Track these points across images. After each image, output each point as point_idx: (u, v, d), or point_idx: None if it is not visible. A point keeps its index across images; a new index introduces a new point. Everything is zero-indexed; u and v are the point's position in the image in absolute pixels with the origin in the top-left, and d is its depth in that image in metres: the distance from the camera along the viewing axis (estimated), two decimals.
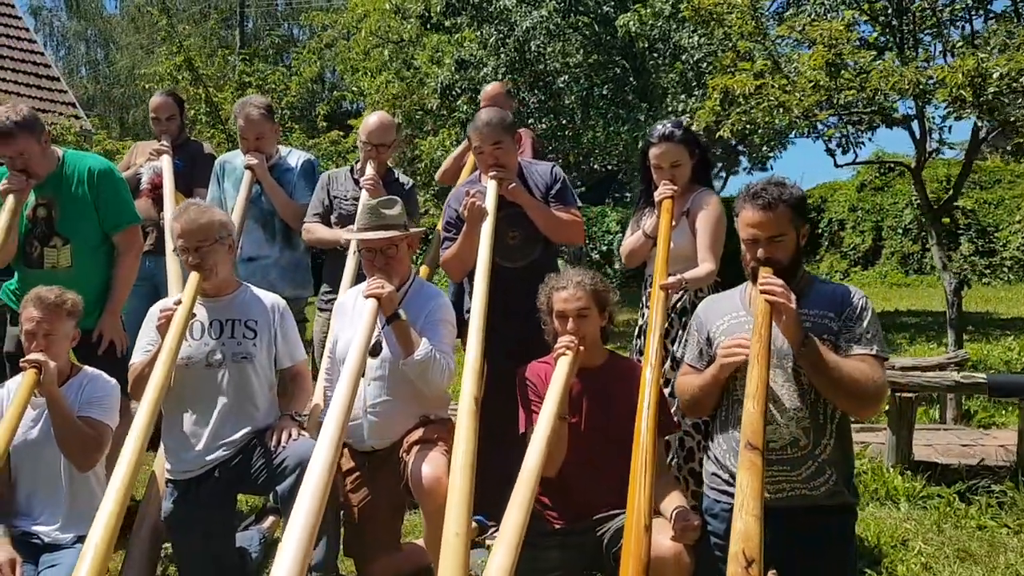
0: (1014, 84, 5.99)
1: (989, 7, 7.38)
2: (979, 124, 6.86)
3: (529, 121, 12.14)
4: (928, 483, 4.41)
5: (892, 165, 12.54)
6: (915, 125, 7.45)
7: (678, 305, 3.65)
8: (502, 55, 12.14)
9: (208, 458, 3.21)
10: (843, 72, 6.71)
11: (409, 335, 3.18)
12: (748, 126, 7.27)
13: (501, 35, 12.12)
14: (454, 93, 12.61)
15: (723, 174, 21.42)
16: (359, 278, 3.83)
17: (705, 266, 3.56)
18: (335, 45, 20.60)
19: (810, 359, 2.63)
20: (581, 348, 3.02)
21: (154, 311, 3.32)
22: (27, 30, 16.47)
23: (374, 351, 3.26)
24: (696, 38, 10.97)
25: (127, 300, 4.18)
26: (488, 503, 3.12)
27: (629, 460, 2.69)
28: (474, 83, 11.97)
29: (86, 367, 3.43)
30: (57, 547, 3.12)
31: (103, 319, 3.82)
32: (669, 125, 3.76)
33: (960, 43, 7.06)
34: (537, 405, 2.95)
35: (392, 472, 3.28)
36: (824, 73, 6.69)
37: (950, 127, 7.01)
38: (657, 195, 3.64)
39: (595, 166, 13.69)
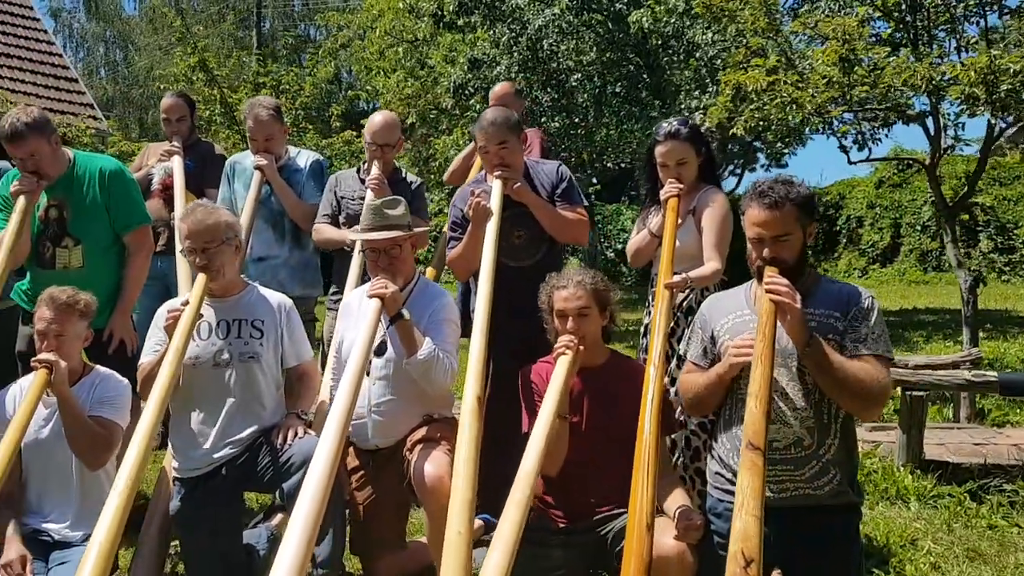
0: None
1: (1004, 3, 7.32)
2: (992, 121, 6.80)
3: (542, 119, 12.14)
4: (939, 482, 4.39)
5: (909, 162, 12.44)
6: (930, 122, 7.40)
7: (684, 304, 3.64)
8: (515, 54, 12.14)
9: (215, 456, 3.24)
10: (856, 68, 6.68)
11: (412, 335, 3.20)
12: (761, 123, 7.25)
13: (513, 34, 12.12)
14: (467, 92, 12.63)
15: (738, 171, 21.31)
16: (364, 278, 3.86)
17: (711, 265, 3.55)
18: (350, 45, 20.68)
19: (814, 359, 2.62)
20: (581, 347, 3.02)
21: (162, 312, 3.35)
22: (45, 31, 16.62)
23: (379, 351, 3.28)
24: (710, 35, 10.95)
25: (139, 300, 4.22)
26: (493, 502, 3.12)
27: (631, 459, 2.70)
28: (487, 82, 11.98)
29: (98, 367, 3.46)
30: (67, 545, 3.16)
31: (114, 319, 3.85)
32: (675, 123, 3.75)
33: (974, 39, 7.00)
34: (539, 405, 2.96)
35: (396, 471, 3.30)
36: (837, 69, 6.66)
37: (963, 124, 6.96)
38: (663, 193, 3.63)
39: (608, 164, 13.66)
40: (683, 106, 11.07)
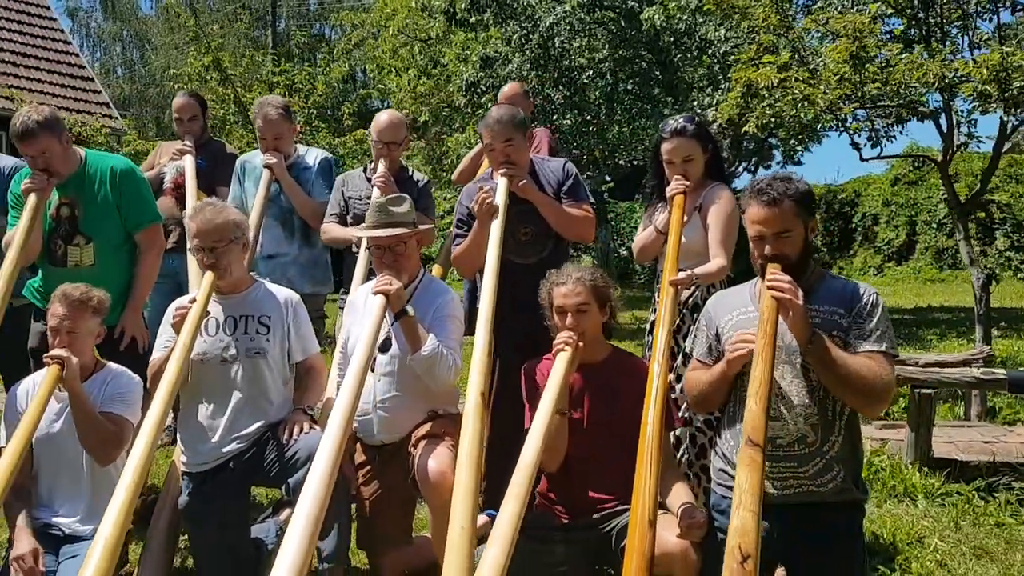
0: None
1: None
2: (1004, 118, 6.77)
3: (554, 117, 12.15)
4: (947, 480, 4.39)
5: (924, 159, 12.38)
6: (942, 119, 7.37)
7: (690, 301, 3.65)
8: (526, 51, 12.15)
9: (223, 451, 3.28)
10: (868, 65, 6.66)
11: (416, 331, 3.22)
12: (773, 119, 7.24)
13: (525, 31, 12.13)
14: (480, 90, 12.65)
15: (752, 168, 21.23)
16: (371, 275, 3.89)
17: (716, 261, 3.56)
18: (364, 44, 20.75)
19: (817, 355, 2.62)
20: (580, 344, 3.03)
21: (171, 309, 3.39)
22: (62, 31, 16.79)
23: (383, 347, 3.31)
24: (722, 31, 10.92)
25: (150, 297, 4.25)
26: (498, 499, 3.14)
27: (633, 454, 2.71)
28: (499, 80, 12.00)
29: (110, 363, 3.50)
30: (77, 539, 3.19)
31: (125, 315, 3.89)
32: (681, 120, 3.75)
33: (987, 36, 6.97)
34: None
35: (401, 466, 3.33)
36: (848, 66, 6.64)
37: (975, 121, 6.93)
38: (669, 190, 3.64)
39: (620, 162, 13.65)
40: (695, 103, 11.05)
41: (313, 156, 4.86)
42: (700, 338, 3.01)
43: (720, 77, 11.02)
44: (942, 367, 4.92)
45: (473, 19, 12.90)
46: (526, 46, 12.13)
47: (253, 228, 4.27)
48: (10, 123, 3.81)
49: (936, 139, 7.71)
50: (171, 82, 16.73)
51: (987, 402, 5.95)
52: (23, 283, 3.99)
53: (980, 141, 7.29)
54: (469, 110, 13.34)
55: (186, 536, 3.50)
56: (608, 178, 15.23)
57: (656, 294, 3.75)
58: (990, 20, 7.48)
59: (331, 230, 4.46)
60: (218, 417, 3.30)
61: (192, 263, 4.23)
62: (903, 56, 6.64)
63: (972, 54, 7.01)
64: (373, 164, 4.49)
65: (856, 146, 7.84)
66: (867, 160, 8.20)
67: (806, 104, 6.76)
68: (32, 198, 3.74)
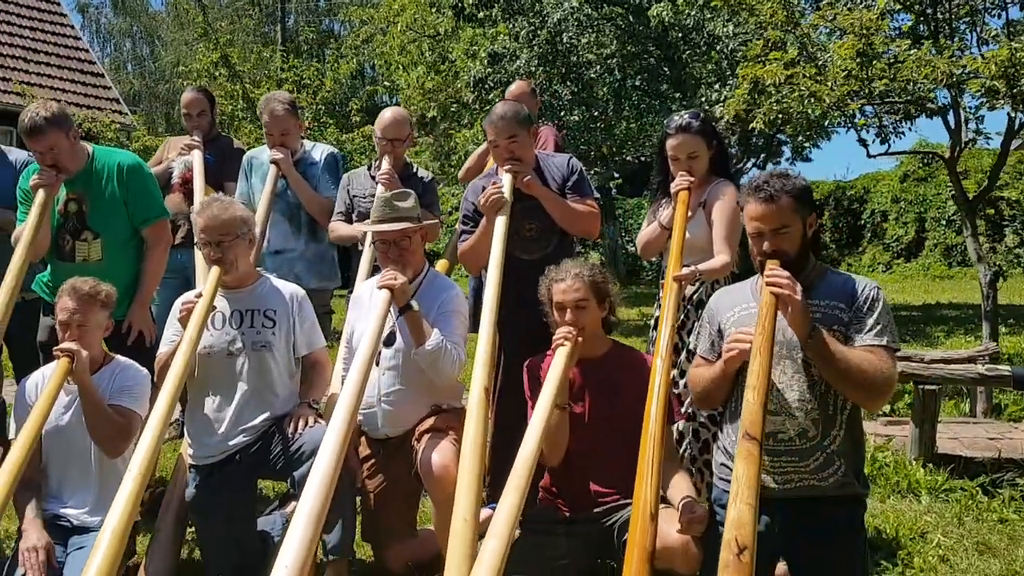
0: None
1: None
2: (1012, 114, 6.75)
3: (561, 113, 12.15)
4: (951, 476, 4.39)
5: (932, 155, 12.35)
6: (950, 116, 7.35)
7: (694, 297, 3.66)
8: (534, 47, 12.15)
9: (230, 443, 3.31)
10: (875, 62, 6.65)
11: (421, 326, 3.25)
12: (780, 116, 7.23)
13: (533, 27, 12.14)
14: (487, 86, 12.66)
15: (761, 165, 21.19)
16: (375, 271, 3.92)
17: (720, 257, 3.57)
18: (372, 40, 20.78)
19: (817, 350, 2.63)
20: (580, 339, 3.06)
21: (178, 303, 3.42)
22: (72, 27, 16.87)
23: (388, 341, 3.34)
24: (730, 27, 10.90)
25: (158, 292, 4.29)
26: (501, 493, 3.16)
27: (634, 448, 2.73)
28: (507, 76, 12.01)
29: (118, 356, 3.53)
30: (86, 530, 3.22)
31: (132, 310, 3.92)
32: (687, 116, 3.76)
33: (996, 32, 6.95)
34: None
35: (406, 460, 3.36)
36: (856, 62, 6.63)
37: (983, 117, 6.91)
38: (673, 186, 3.65)
39: (628, 158, 13.64)
40: (703, 99, 11.03)
41: (320, 152, 4.88)
42: (703, 334, 3.03)
43: (728, 73, 11.00)
44: (947, 363, 4.93)
45: (481, 14, 12.90)
46: (534, 42, 12.13)
47: (260, 224, 4.30)
48: (18, 119, 3.84)
49: (945, 135, 7.70)
50: (180, 78, 16.81)
51: (993, 399, 5.95)
52: (33, 277, 4.02)
53: (988, 138, 7.27)
54: (477, 106, 13.34)
55: (193, 528, 3.53)
56: (616, 174, 15.21)
57: (660, 290, 3.77)
58: (999, 16, 7.47)
59: (337, 228, 4.49)
60: (224, 409, 3.33)
61: (200, 258, 4.27)
62: (911, 52, 6.62)
63: (980, 50, 6.99)
64: (377, 161, 4.52)
65: (863, 142, 7.83)
66: (874, 156, 8.20)
67: (813, 100, 6.75)
68: (40, 194, 3.76)
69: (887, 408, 5.70)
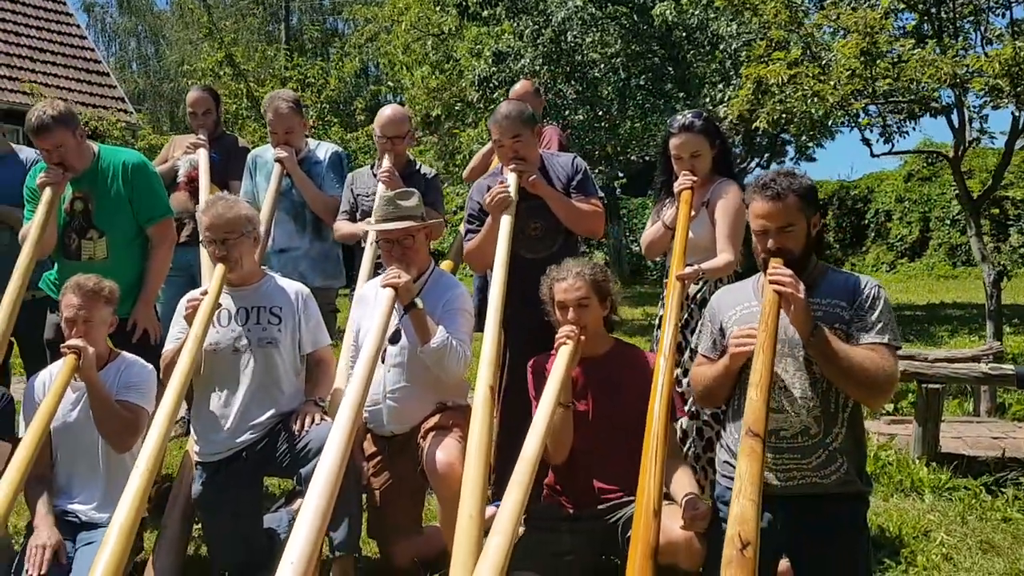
0: None
1: None
2: (1016, 113, 6.75)
3: (566, 112, 12.16)
4: (955, 475, 4.40)
5: (935, 154, 12.34)
6: (954, 115, 7.35)
7: (698, 296, 3.67)
8: (539, 46, 12.17)
9: (236, 440, 3.34)
10: (879, 61, 6.66)
11: (426, 324, 3.26)
12: (784, 115, 7.24)
13: (537, 26, 12.15)
14: (492, 85, 12.68)
15: (765, 164, 21.17)
16: (378, 270, 3.95)
17: (723, 256, 3.58)
18: (377, 39, 20.79)
19: (819, 348, 2.65)
20: (582, 337, 3.07)
21: (183, 301, 3.44)
22: (78, 26, 16.91)
23: (393, 339, 3.36)
24: (734, 26, 10.91)
25: (164, 290, 4.31)
26: (505, 490, 3.19)
27: (637, 446, 2.75)
28: (512, 75, 12.02)
29: (123, 353, 3.55)
30: (94, 526, 3.24)
31: (137, 308, 3.94)
32: (690, 115, 3.77)
33: (1000, 31, 6.95)
34: None
35: (411, 457, 3.38)
36: (859, 62, 6.64)
37: (987, 116, 6.91)
38: (677, 186, 3.66)
39: (632, 157, 13.65)
40: (707, 98, 11.04)
41: (324, 150, 4.90)
42: (704, 333, 3.05)
43: (732, 73, 11.00)
44: (951, 362, 4.94)
45: (485, 13, 12.92)
46: (538, 41, 12.15)
47: (264, 222, 4.32)
48: (26, 118, 3.86)
49: (949, 135, 7.70)
50: (185, 77, 16.85)
51: (996, 398, 5.95)
52: (40, 275, 4.05)
53: (992, 137, 7.28)
54: (482, 105, 13.36)
55: (199, 525, 3.55)
56: (620, 174, 15.23)
57: (664, 289, 3.78)
58: (1003, 15, 7.47)
59: (341, 227, 4.52)
60: (230, 406, 3.36)
61: (205, 257, 4.28)
62: (915, 52, 6.62)
63: (984, 50, 6.99)
64: (379, 160, 4.53)
65: (867, 142, 7.83)
66: (878, 156, 8.21)
67: (816, 100, 6.76)
68: (47, 192, 3.79)
69: (890, 407, 5.72)
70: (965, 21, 7.53)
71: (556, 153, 4.24)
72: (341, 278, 4.90)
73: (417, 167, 4.65)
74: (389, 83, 18.44)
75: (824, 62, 7.08)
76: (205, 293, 3.31)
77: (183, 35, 32.21)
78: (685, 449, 3.54)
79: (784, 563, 2.90)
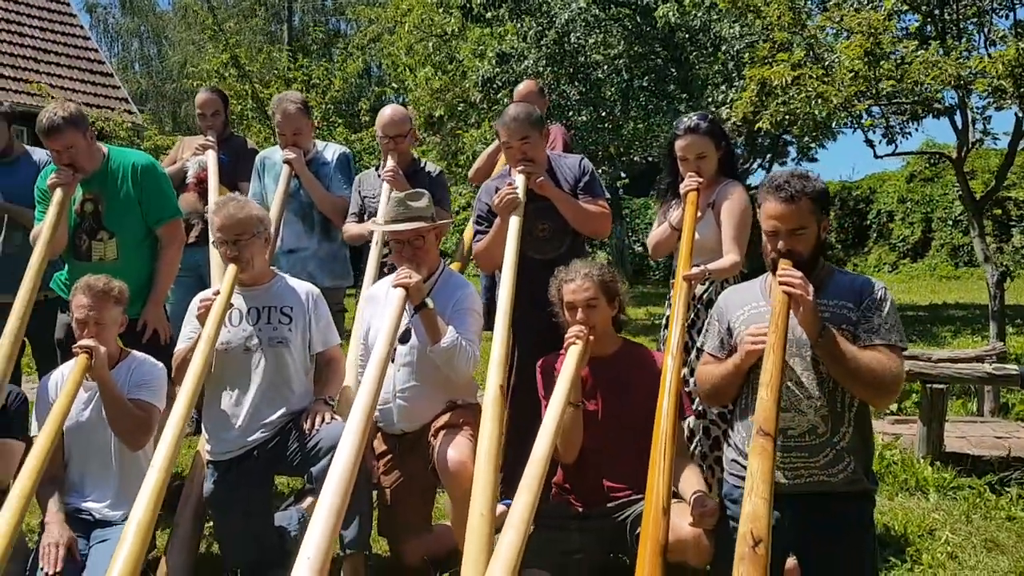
0: None
1: None
2: (1020, 114, 6.78)
3: (569, 113, 12.19)
4: (959, 474, 4.42)
5: (938, 155, 12.36)
6: (958, 116, 7.38)
7: (704, 296, 3.70)
8: (542, 47, 12.20)
9: (248, 439, 3.37)
10: (882, 62, 6.68)
11: (436, 323, 3.29)
12: (787, 117, 7.26)
13: (541, 27, 12.18)
14: (495, 86, 12.71)
15: (767, 165, 21.19)
16: (383, 270, 3.99)
17: (730, 257, 3.60)
18: (380, 40, 20.82)
19: (827, 349, 2.68)
20: (591, 337, 3.10)
21: (195, 301, 3.47)
22: (82, 27, 16.94)
23: (403, 338, 3.39)
24: (737, 28, 10.94)
25: (173, 290, 4.34)
26: (515, 488, 3.21)
27: (646, 445, 2.78)
28: (515, 76, 12.06)
29: (134, 351, 3.58)
30: (108, 523, 3.28)
31: (147, 309, 3.97)
32: (695, 117, 3.80)
33: (1003, 33, 6.97)
34: None
35: (422, 455, 3.41)
36: (863, 63, 6.66)
37: (989, 117, 6.94)
38: (683, 187, 3.69)
39: (635, 158, 13.68)
40: (710, 100, 11.07)
41: (331, 151, 4.93)
42: (711, 332, 3.07)
43: (735, 74, 11.04)
44: (955, 363, 4.96)
45: (489, 15, 12.95)
46: (542, 42, 12.18)
47: (273, 223, 4.34)
48: (37, 118, 3.89)
49: (951, 135, 7.72)
50: (188, 79, 16.88)
51: (1000, 398, 5.98)
52: (51, 276, 4.08)
53: (996, 138, 7.30)
54: (485, 106, 13.39)
55: (211, 523, 3.58)
56: (623, 174, 15.26)
57: (671, 289, 3.81)
58: (1007, 17, 7.49)
59: (350, 229, 4.56)
60: (241, 405, 3.39)
61: (214, 257, 4.31)
62: (918, 53, 6.65)
63: (988, 51, 7.01)
64: (383, 160, 4.57)
65: (870, 143, 7.85)
66: (881, 157, 8.22)
67: (820, 101, 6.78)
68: (58, 193, 3.82)
69: (894, 407, 5.74)
70: (969, 22, 7.55)
71: (563, 155, 4.27)
72: (349, 278, 4.93)
73: (422, 165, 4.69)
74: (393, 84, 18.45)
75: (827, 63, 7.11)
76: (217, 293, 3.34)
77: (185, 36, 32.25)
78: (692, 448, 3.56)
79: (791, 561, 2.93)
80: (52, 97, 12.64)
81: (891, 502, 4.16)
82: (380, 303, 3.57)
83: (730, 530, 2.85)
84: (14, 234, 4.58)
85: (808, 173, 2.85)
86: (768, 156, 19.40)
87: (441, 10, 16.38)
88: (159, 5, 37.97)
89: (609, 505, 3.12)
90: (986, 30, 7.37)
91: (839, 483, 2.78)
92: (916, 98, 7.05)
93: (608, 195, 4.08)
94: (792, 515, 2.75)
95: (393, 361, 3.37)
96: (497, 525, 2.77)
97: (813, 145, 18.94)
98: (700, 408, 3.55)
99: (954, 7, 7.50)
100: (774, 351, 2.57)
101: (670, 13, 11.08)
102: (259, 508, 3.43)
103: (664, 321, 3.95)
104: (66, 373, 3.41)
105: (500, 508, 3.32)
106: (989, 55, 6.42)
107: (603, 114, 12.72)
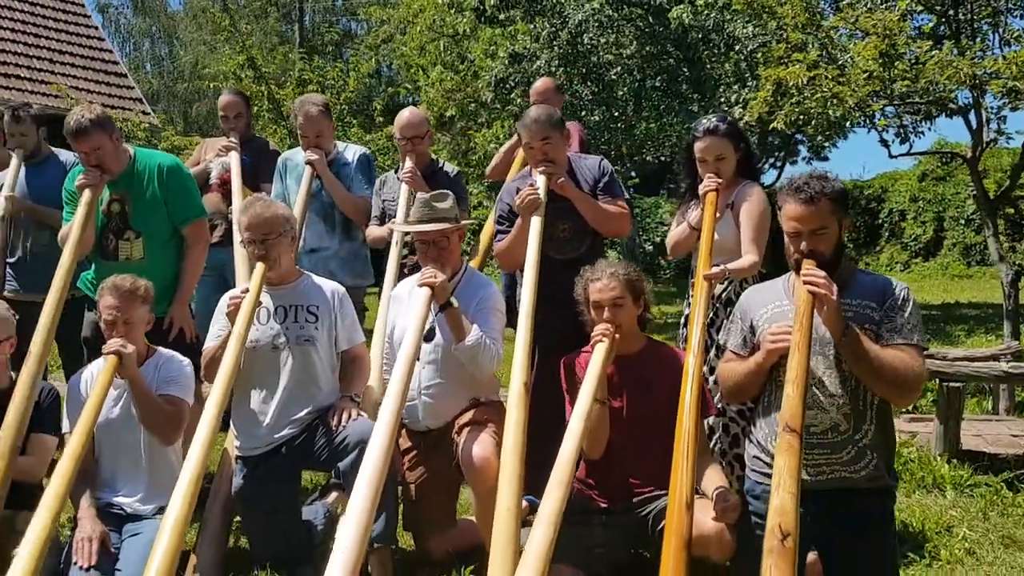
0: None
1: None
2: None
3: (582, 113, 12.22)
4: (976, 472, 4.45)
5: (951, 154, 12.34)
6: (972, 116, 7.39)
7: (723, 295, 3.74)
8: (555, 48, 12.23)
9: (276, 436, 3.43)
10: (897, 63, 6.70)
11: (461, 322, 3.35)
12: (802, 117, 7.28)
13: (554, 28, 12.22)
14: (508, 86, 12.75)
15: (779, 164, 21.19)
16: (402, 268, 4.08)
17: (749, 257, 3.64)
18: (391, 40, 20.87)
19: (850, 348, 2.72)
20: (617, 336, 3.15)
21: (224, 299, 3.53)
22: (96, 28, 17.00)
23: (428, 337, 3.44)
24: (750, 28, 10.95)
25: (197, 288, 4.39)
26: (535, 485, 3.25)
27: (669, 442, 2.83)
28: (527, 75, 12.09)
29: (160, 348, 3.64)
30: (139, 517, 3.35)
31: (173, 308, 4.03)
32: (714, 119, 3.84)
33: (1018, 33, 6.98)
34: None
35: (446, 452, 3.47)
36: (878, 64, 6.68)
37: (1005, 117, 6.95)
38: (701, 188, 3.73)
39: (648, 158, 13.70)
40: (722, 100, 11.08)
41: (352, 152, 4.99)
42: (734, 331, 3.11)
43: (747, 74, 11.05)
44: (971, 361, 4.99)
45: (502, 16, 13.00)
46: (554, 42, 12.22)
47: (296, 223, 4.40)
48: (64, 121, 3.95)
49: (964, 134, 7.72)
50: (203, 80, 16.96)
51: (1015, 397, 5.99)
52: (77, 275, 4.14)
53: (1009, 137, 7.31)
54: (498, 106, 13.44)
55: (239, 518, 3.64)
56: (633, 174, 15.27)
57: (690, 288, 3.86)
58: (1022, 17, 7.51)
59: (371, 232, 4.64)
60: (270, 402, 3.45)
61: (238, 257, 4.38)
62: (933, 54, 6.66)
63: (1003, 51, 7.02)
64: (401, 162, 4.63)
65: (885, 143, 7.86)
66: (896, 157, 8.23)
67: (835, 102, 6.80)
68: (86, 193, 3.88)
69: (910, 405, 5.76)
70: (983, 22, 7.56)
71: (583, 156, 4.32)
72: (369, 277, 4.98)
73: (440, 165, 4.75)
74: (406, 84, 18.52)
75: (840, 62, 7.12)
76: (246, 291, 3.39)
77: (197, 36, 32.34)
78: (711, 445, 3.60)
79: (812, 555, 2.97)
80: (71, 98, 12.71)
81: (909, 499, 4.20)
82: (404, 303, 3.63)
83: (752, 525, 2.91)
84: (41, 234, 4.66)
85: (827, 174, 2.89)
86: (779, 155, 19.42)
87: (453, 11, 16.44)
88: (170, 5, 38.10)
89: (633, 500, 3.16)
90: (1001, 30, 7.37)
91: (861, 479, 2.82)
92: (930, 98, 7.06)
93: (627, 195, 4.12)
94: (815, 511, 2.79)
95: (417, 359, 3.42)
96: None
97: (826, 144, 18.94)
98: (720, 406, 3.59)
99: (968, 7, 7.51)
100: (799, 349, 2.61)
101: (684, 14, 11.10)
102: (287, 503, 3.49)
103: (683, 320, 4.00)
104: (95, 371, 3.48)
105: (523, 504, 3.39)
106: (1004, 56, 6.43)
107: (615, 114, 12.74)
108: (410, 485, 3.55)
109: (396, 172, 4.70)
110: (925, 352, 2.87)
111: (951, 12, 7.65)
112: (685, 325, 3.92)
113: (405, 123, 4.60)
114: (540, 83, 5.75)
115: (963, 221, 18.21)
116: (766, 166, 17.48)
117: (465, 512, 3.85)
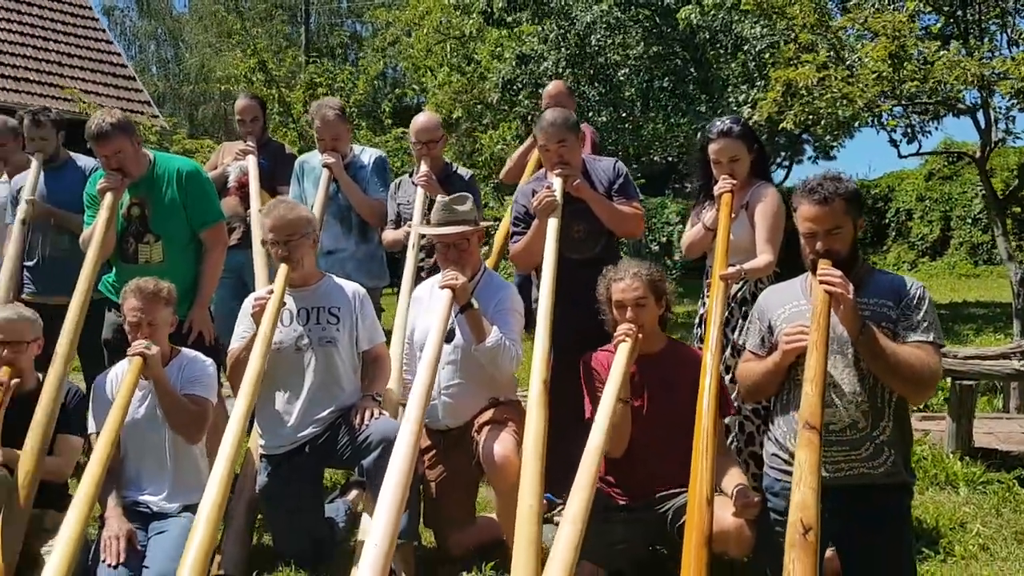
0: None
1: None
2: None
3: (589, 114, 12.26)
4: (988, 469, 4.48)
5: (960, 154, 12.36)
6: (980, 115, 7.42)
7: (738, 295, 3.78)
8: (563, 49, 12.28)
9: (299, 435, 3.48)
10: (906, 64, 6.74)
11: (481, 323, 3.41)
12: (811, 117, 7.32)
13: (561, 30, 12.26)
14: (515, 87, 12.79)
15: (786, 163, 21.22)
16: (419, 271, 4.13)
17: (764, 257, 3.68)
18: (398, 42, 20.92)
19: (867, 346, 2.77)
20: (639, 335, 3.19)
21: (249, 300, 3.59)
22: (104, 31, 17.06)
23: (448, 337, 3.49)
24: (758, 29, 10.98)
25: (215, 292, 4.45)
26: (553, 482, 3.31)
27: (689, 440, 2.87)
28: (535, 77, 12.14)
29: (183, 349, 3.70)
30: (165, 515, 3.40)
31: (192, 311, 4.06)
32: (728, 121, 3.88)
33: None
34: (601, 391, 3.13)
35: (466, 450, 3.52)
36: (887, 65, 6.71)
37: (1014, 117, 6.98)
38: (716, 189, 3.77)
39: (655, 158, 13.74)
40: (730, 100, 11.12)
41: (368, 155, 5.05)
42: (752, 330, 3.16)
43: (756, 75, 11.08)
44: (982, 359, 5.02)
45: (510, 18, 13.04)
46: (562, 44, 12.26)
47: None
48: (86, 126, 4.01)
49: (971, 133, 7.77)
50: (207, 82, 17.00)
51: None
52: (98, 278, 4.19)
53: (1017, 137, 7.34)
54: (504, 107, 13.48)
55: (263, 516, 3.68)
56: (640, 175, 15.30)
57: (705, 289, 3.90)
58: None
59: (387, 236, 4.71)
60: (294, 403, 3.50)
61: (258, 259, 4.44)
62: (941, 54, 6.69)
63: (1011, 51, 7.05)
64: (416, 165, 4.69)
65: (894, 143, 7.90)
66: (905, 156, 8.27)
67: (845, 102, 6.84)
68: (108, 196, 3.93)
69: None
70: (991, 22, 7.59)
71: (598, 158, 4.38)
72: (385, 278, 5.05)
73: (454, 169, 4.81)
74: (414, 86, 18.57)
75: (849, 63, 7.16)
76: (271, 292, 3.45)
77: (203, 38, 32.41)
78: (727, 443, 3.64)
79: (830, 551, 3.02)
80: (83, 102, 12.76)
81: (922, 496, 4.22)
82: (424, 304, 3.68)
83: (771, 522, 2.95)
84: (60, 238, 4.71)
85: (840, 175, 2.94)
86: (785, 154, 19.44)
87: (459, 13, 16.48)
88: (175, 8, 38.23)
89: (655, 497, 3.21)
90: (1009, 30, 7.40)
91: (880, 475, 2.87)
92: (939, 98, 7.10)
93: (642, 196, 4.17)
94: (833, 507, 2.82)
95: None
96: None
97: (834, 144, 18.95)
98: (736, 404, 3.63)
99: (976, 8, 7.54)
100: (817, 348, 2.66)
101: (692, 15, 11.14)
102: (310, 501, 3.55)
103: (698, 319, 4.05)
104: (120, 372, 3.53)
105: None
106: (1012, 56, 6.46)
107: (623, 115, 12.78)
108: (430, 483, 3.61)
109: (411, 176, 4.75)
110: (942, 349, 2.90)
111: (959, 13, 7.68)
112: (700, 325, 3.96)
113: (420, 127, 4.67)
114: (552, 86, 5.80)
115: (970, 220, 18.21)
116: (772, 166, 17.49)
117: (484, 509, 3.89)
